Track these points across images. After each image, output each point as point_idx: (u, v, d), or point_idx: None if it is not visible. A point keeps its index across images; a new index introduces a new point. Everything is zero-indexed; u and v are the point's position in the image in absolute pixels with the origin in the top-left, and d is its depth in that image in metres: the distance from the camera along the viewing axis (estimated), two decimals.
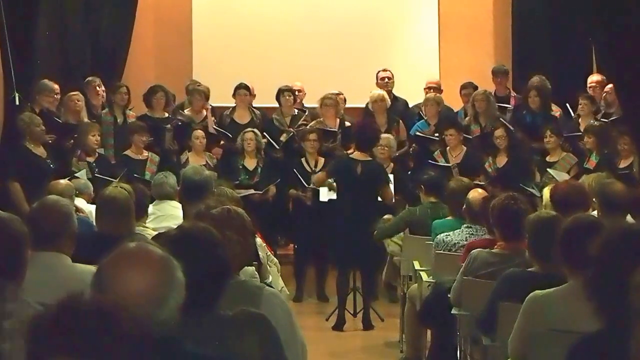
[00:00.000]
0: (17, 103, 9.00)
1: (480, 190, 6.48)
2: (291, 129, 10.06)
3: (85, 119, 9.65)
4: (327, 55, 11.94)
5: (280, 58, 11.90)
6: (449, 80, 11.12)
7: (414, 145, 10.05)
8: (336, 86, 10.64)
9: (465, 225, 6.40)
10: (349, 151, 8.90)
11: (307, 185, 9.38)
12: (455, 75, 11.21)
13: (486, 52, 12.06)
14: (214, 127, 10.00)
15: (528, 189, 8.77)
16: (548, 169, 9.17)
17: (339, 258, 8.42)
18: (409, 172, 9.78)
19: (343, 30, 12.08)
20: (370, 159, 8.32)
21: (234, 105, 10.33)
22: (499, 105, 10.20)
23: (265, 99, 10.68)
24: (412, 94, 10.81)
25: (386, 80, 10.62)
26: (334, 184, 8.52)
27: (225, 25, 12.19)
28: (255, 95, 10.71)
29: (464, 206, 6.36)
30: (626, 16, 8.75)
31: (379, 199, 8.32)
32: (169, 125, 9.82)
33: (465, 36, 12.17)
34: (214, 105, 10.48)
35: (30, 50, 9.36)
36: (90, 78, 10.29)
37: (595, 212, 5.84)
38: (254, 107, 10.50)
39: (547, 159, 9.38)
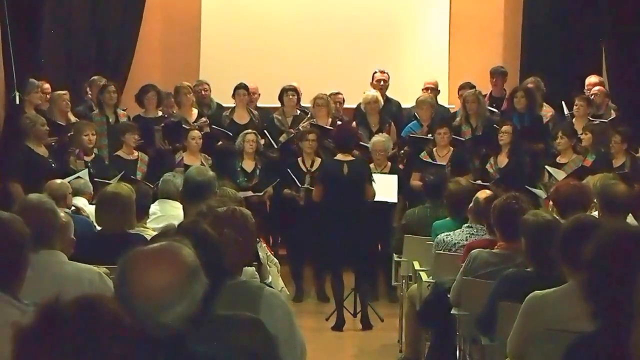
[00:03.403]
0: (18, 102, 9.00)
1: (488, 191, 6.49)
2: (292, 130, 10.04)
3: (73, 119, 9.61)
4: (336, 55, 11.91)
5: (288, 58, 11.86)
6: (458, 81, 11.08)
7: (405, 148, 10.04)
8: (344, 87, 10.63)
9: (466, 225, 6.40)
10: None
11: (300, 186, 9.38)
12: (465, 76, 11.16)
13: (495, 52, 12.00)
14: (214, 126, 9.97)
15: (534, 190, 8.76)
16: (547, 167, 9.17)
17: (331, 259, 8.42)
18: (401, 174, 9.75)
19: (353, 31, 12.05)
20: (353, 158, 8.39)
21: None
22: (488, 109, 10.20)
23: (274, 99, 10.59)
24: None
25: (382, 82, 10.59)
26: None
27: (234, 25, 12.14)
28: (260, 94, 10.68)
29: (471, 205, 6.35)
30: (636, 18, 8.76)
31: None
32: (157, 126, 9.77)
33: (475, 36, 12.13)
34: (223, 105, 10.48)
35: (35, 49, 9.35)
36: (95, 77, 10.28)
37: (596, 213, 5.84)
38: (259, 107, 10.49)
39: (558, 159, 9.32)
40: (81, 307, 1.91)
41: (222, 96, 10.55)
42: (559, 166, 9.25)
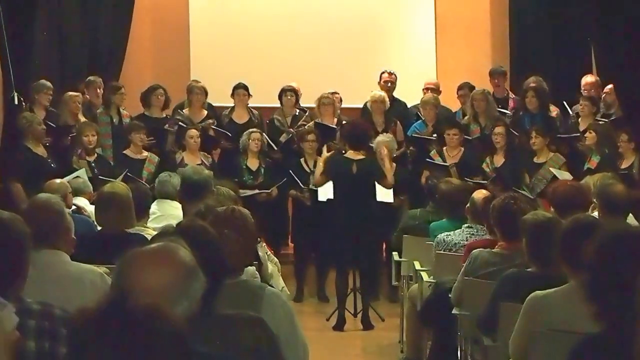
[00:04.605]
0: (16, 102, 9.01)
1: (484, 191, 6.49)
2: (291, 130, 10.06)
3: (83, 119, 9.64)
4: (324, 55, 11.94)
5: (277, 58, 11.89)
6: (446, 81, 11.10)
7: (411, 148, 10.05)
8: (333, 86, 10.63)
9: (466, 226, 6.40)
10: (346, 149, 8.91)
11: (304, 187, 9.38)
12: (453, 76, 11.20)
13: (483, 52, 12.03)
14: (213, 127, 9.97)
15: (520, 191, 8.74)
16: (551, 168, 9.15)
17: (337, 257, 8.43)
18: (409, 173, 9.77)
19: (340, 31, 12.07)
20: (364, 157, 8.35)
21: (231, 105, 10.33)
22: (498, 110, 10.18)
23: (263, 99, 10.65)
24: (410, 95, 10.77)
25: (389, 84, 10.62)
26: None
27: (223, 24, 12.19)
28: (251, 95, 10.71)
29: (468, 205, 6.35)
30: (625, 16, 8.73)
31: (379, 196, 8.34)
32: (171, 128, 9.79)
33: (462, 37, 12.15)
34: (212, 104, 10.49)
35: (28, 50, 9.36)
36: (92, 78, 10.29)
37: (596, 213, 5.83)
38: (250, 107, 10.52)
39: (535, 159, 9.34)
40: (150, 308, 1.91)
41: (213, 95, 10.53)
42: (537, 166, 9.23)
